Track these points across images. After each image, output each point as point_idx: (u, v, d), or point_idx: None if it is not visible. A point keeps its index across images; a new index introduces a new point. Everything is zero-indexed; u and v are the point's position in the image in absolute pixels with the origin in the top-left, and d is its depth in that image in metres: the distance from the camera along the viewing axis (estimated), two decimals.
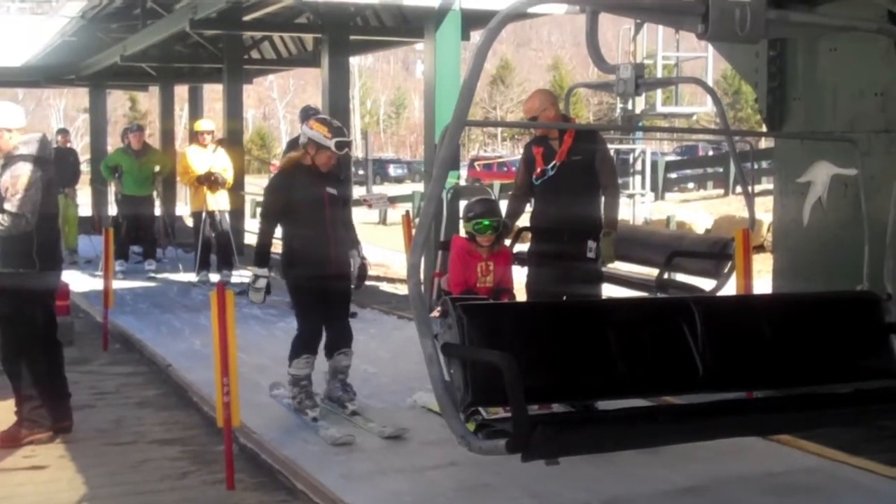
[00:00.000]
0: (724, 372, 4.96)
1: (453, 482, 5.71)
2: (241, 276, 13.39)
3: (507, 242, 7.22)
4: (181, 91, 25.77)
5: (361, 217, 11.04)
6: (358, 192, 30.94)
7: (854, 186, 7.10)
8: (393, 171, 51.76)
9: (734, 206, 22.36)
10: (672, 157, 40.18)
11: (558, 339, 4.75)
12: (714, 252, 7.69)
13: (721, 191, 27.88)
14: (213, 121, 14.14)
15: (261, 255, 6.94)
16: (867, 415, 5.32)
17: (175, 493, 5.71)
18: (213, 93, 28.56)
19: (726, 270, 7.54)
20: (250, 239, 19.64)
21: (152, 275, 14.26)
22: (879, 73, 6.96)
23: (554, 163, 6.76)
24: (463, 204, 7.47)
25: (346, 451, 6.23)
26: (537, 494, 5.38)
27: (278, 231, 6.97)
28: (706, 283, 7.73)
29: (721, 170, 29.69)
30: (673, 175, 33.46)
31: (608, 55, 8.06)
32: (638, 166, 20.36)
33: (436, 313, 4.62)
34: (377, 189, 42.96)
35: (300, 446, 6.32)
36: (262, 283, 6.85)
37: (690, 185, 35.07)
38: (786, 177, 7.88)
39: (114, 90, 31.41)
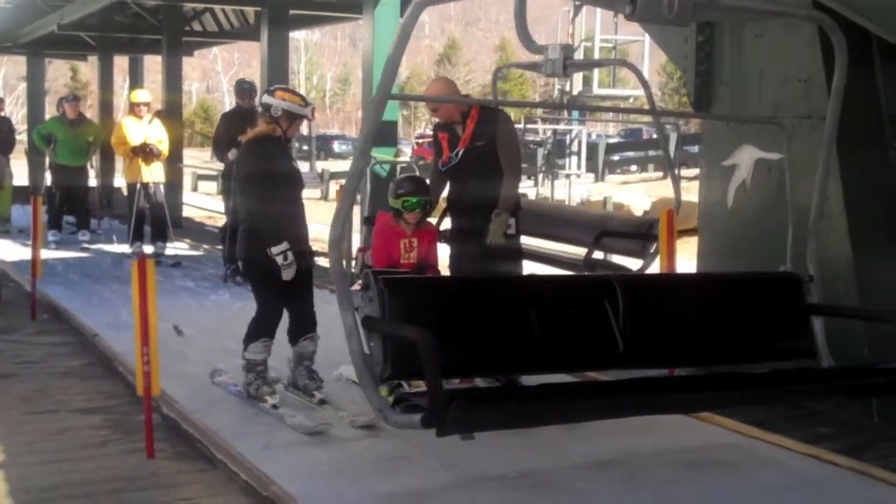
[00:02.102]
0: (644, 349, 5.03)
1: (373, 453, 5.76)
2: (174, 248, 13.37)
3: (434, 220, 7.26)
4: (123, 62, 25.54)
5: (305, 193, 10.96)
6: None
7: (777, 170, 7.23)
8: (337, 147, 51.60)
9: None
10: (616, 140, 40.47)
11: (480, 314, 4.77)
12: (640, 233, 7.81)
13: (661, 173, 28.16)
14: (150, 92, 14.01)
15: (275, 232, 6.48)
16: (785, 395, 5.37)
17: (94, 462, 5.69)
18: (155, 64, 28.31)
19: (652, 251, 7.66)
20: (189, 212, 19.62)
21: (86, 245, 14.17)
22: (803, 59, 7.07)
23: (458, 150, 6.77)
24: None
25: (268, 423, 6.25)
26: (454, 466, 5.44)
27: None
28: (633, 263, 7.85)
29: (661, 152, 29.97)
30: (616, 157, 33.73)
31: (551, 38, 8.12)
32: (574, 147, 20.51)
33: (357, 286, 4.65)
34: (321, 164, 42.88)
35: (222, 416, 6.33)
36: (290, 256, 6.45)
37: (633, 167, 35.34)
38: (712, 160, 8.00)
39: (54, 59, 30.98)
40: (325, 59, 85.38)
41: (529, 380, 5.91)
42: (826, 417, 6.55)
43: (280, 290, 6.61)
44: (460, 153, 6.79)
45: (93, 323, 8.91)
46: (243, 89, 11.79)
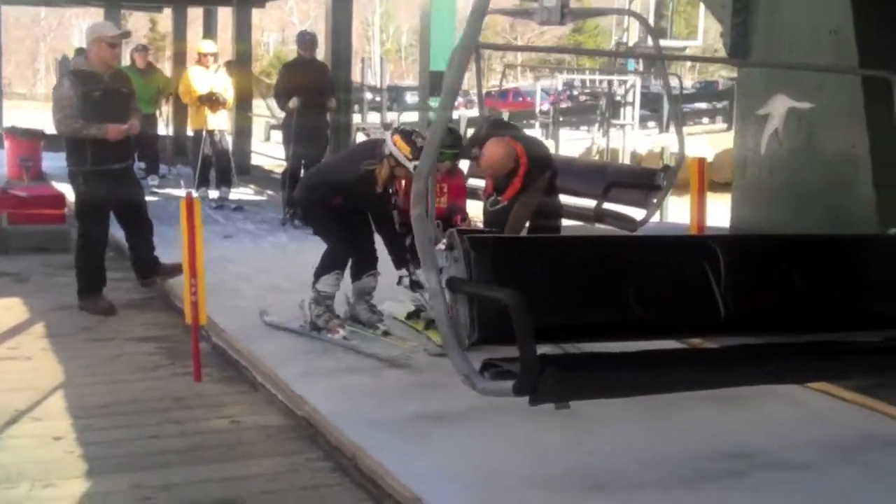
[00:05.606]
0: (748, 314, 4.79)
1: (407, 380, 6.10)
2: (239, 193, 13.83)
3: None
4: (197, 13, 25.97)
5: None
6: (371, 118, 31.25)
7: (806, 120, 7.40)
8: (409, 98, 51.86)
9: None
10: (690, 91, 40.17)
11: (572, 277, 4.50)
12: (644, 183, 8.07)
13: (725, 125, 28.02)
14: (218, 43, 14.42)
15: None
16: None
17: (144, 383, 6.19)
18: (229, 15, 28.71)
19: (655, 200, 7.93)
20: (259, 160, 20.06)
21: (154, 190, 14.67)
22: (833, 11, 7.20)
23: (500, 200, 7.04)
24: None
25: (307, 351, 6.65)
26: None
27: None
28: (637, 213, 8.13)
29: (727, 104, 29.87)
30: (686, 109, 33.63)
31: None
32: (629, 98, 20.59)
33: (441, 246, 4.43)
34: (392, 115, 43.20)
35: (267, 346, 6.71)
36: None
37: (705, 119, 35.15)
38: (746, 110, 8.16)
39: (134, 11, 31.54)
40: (402, 11, 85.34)
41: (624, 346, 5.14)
42: None
43: (343, 227, 6.90)
44: (499, 202, 7.05)
45: None
46: (305, 41, 12.27)
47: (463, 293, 4.11)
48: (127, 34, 8.59)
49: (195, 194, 13.13)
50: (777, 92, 7.74)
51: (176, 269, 8.22)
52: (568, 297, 4.40)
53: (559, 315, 4.31)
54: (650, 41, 17.33)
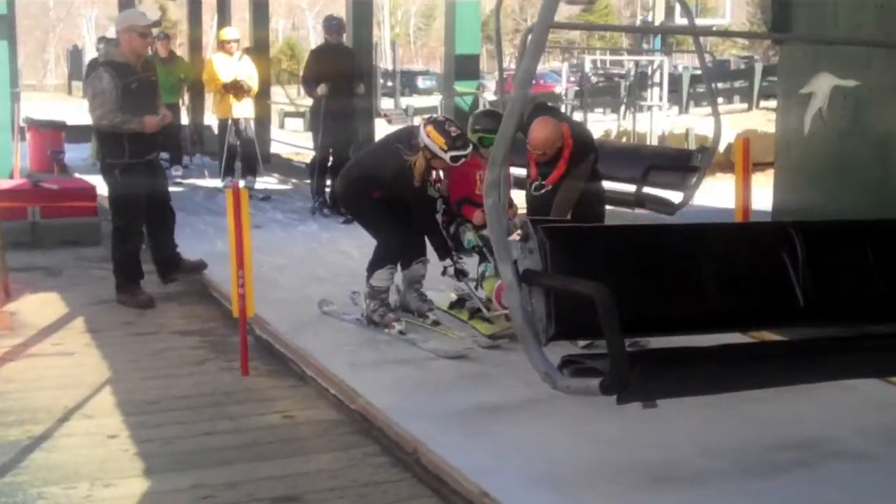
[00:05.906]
0: (828, 305, 4.57)
1: (455, 372, 6.05)
2: (264, 182, 13.75)
3: None
4: (211, 0, 25.89)
5: (383, 130, 11.46)
6: (385, 104, 31.17)
7: (852, 98, 7.27)
8: (421, 82, 51.69)
9: (758, 120, 22.37)
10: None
11: (649, 267, 4.29)
12: (683, 165, 7.97)
13: (745, 105, 27.83)
14: (238, 30, 14.29)
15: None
16: None
17: (192, 378, 6.11)
18: (242, 2, 28.63)
19: (693, 182, 7.83)
20: (277, 148, 19.98)
21: (178, 180, 14.57)
22: None
23: (545, 185, 6.78)
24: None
25: (354, 343, 6.59)
26: (530, 383, 5.64)
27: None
28: (673, 195, 8.05)
29: (746, 84, 29.64)
30: (702, 89, 33.37)
31: None
32: (656, 78, 20.35)
33: (516, 237, 4.21)
34: (406, 100, 43.09)
35: (311, 338, 6.64)
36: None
37: (720, 99, 34.94)
38: (789, 88, 8.03)
39: None
40: None
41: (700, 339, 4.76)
42: None
43: (388, 217, 6.85)
44: (544, 187, 6.82)
45: (187, 252, 9.26)
46: (332, 25, 12.09)
47: (540, 286, 3.89)
48: (157, 23, 8.50)
49: (221, 184, 13.32)
50: (821, 70, 7.60)
51: (198, 267, 8.18)
52: (644, 287, 4.19)
53: (636, 306, 4.04)
54: (678, 20, 17.31)
